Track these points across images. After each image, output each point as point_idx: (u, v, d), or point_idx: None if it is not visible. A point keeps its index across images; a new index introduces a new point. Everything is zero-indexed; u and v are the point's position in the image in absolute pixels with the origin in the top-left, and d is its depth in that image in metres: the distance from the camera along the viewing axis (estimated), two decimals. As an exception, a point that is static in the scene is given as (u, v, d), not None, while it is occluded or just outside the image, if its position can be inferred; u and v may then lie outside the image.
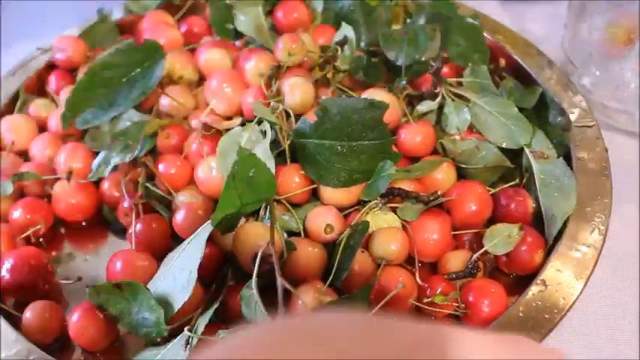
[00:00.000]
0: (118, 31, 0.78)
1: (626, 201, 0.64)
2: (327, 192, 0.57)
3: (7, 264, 0.54)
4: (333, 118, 0.56)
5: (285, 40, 0.65)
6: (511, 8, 0.87)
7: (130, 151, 0.60)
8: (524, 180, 0.61)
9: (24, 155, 0.66)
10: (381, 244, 0.54)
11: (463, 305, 0.51)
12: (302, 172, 0.58)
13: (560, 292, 0.51)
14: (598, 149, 0.61)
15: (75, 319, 0.51)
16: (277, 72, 0.64)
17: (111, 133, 0.63)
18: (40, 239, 0.61)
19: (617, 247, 0.60)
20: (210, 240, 0.53)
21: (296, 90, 0.61)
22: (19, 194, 0.63)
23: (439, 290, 0.51)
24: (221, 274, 0.55)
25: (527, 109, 0.65)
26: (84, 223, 0.63)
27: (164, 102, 0.66)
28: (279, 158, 0.59)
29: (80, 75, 0.66)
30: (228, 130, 0.61)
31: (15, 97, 0.71)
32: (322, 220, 0.55)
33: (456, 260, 0.54)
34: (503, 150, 0.61)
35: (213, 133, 0.61)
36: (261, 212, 0.56)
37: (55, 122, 0.67)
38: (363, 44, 0.71)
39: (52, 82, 0.71)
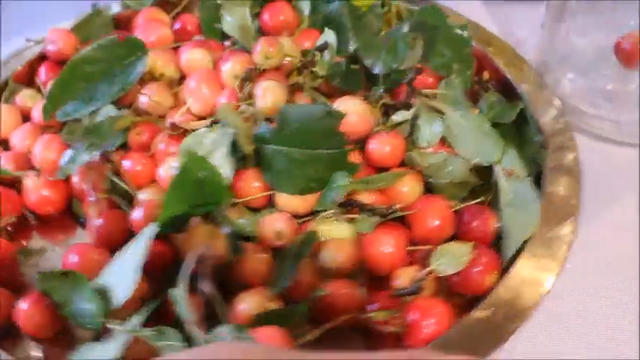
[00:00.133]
0: (115, 26, 0.79)
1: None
2: (283, 198, 0.57)
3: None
4: (292, 125, 0.56)
5: (262, 43, 0.65)
6: (495, 9, 0.86)
7: (96, 149, 0.61)
8: (490, 197, 0.59)
9: (5, 144, 0.68)
10: (329, 254, 0.53)
11: (403, 323, 0.50)
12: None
13: (507, 316, 0.49)
14: (571, 157, 0.60)
15: (22, 306, 0.52)
16: (252, 75, 0.64)
17: (84, 128, 0.64)
18: (9, 228, 0.63)
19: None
20: (167, 238, 0.53)
21: (267, 94, 0.61)
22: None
23: (375, 306, 0.51)
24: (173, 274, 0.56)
25: (506, 123, 0.63)
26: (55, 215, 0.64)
27: (143, 99, 0.67)
28: (245, 162, 0.59)
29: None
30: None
31: (2, 87, 0.72)
32: (273, 226, 0.55)
33: (406, 276, 0.53)
34: (477, 166, 0.60)
35: (181, 133, 0.62)
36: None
37: (37, 113, 0.68)
38: (351, 49, 0.70)
39: (42, 73, 0.73)
